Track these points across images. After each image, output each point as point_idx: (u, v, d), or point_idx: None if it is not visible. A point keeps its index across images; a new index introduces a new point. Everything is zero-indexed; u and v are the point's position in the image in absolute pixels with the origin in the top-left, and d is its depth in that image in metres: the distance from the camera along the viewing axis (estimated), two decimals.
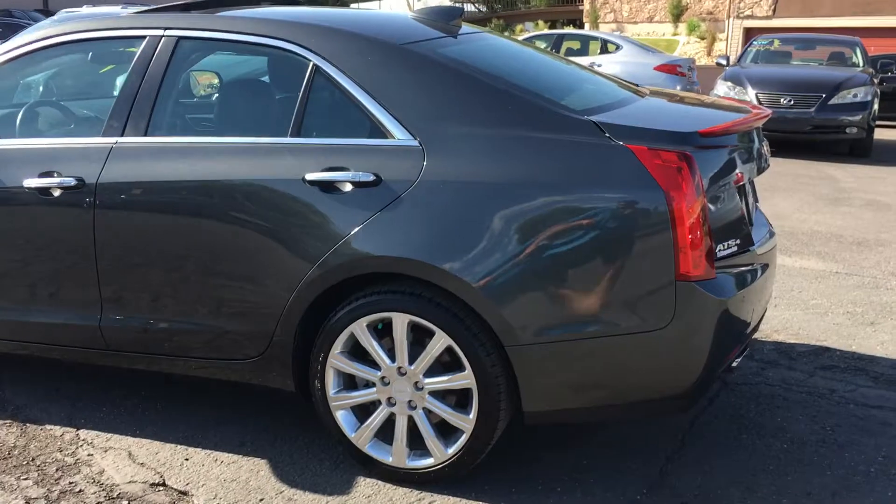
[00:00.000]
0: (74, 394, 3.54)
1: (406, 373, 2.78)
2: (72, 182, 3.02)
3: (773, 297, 4.92)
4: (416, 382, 2.78)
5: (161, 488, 2.88)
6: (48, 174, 3.07)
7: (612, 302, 2.59)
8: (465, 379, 2.71)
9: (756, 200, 3.46)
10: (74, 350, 3.23)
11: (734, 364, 2.97)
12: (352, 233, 2.71)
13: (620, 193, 2.56)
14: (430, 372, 2.77)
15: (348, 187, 2.73)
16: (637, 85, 3.69)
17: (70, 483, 2.91)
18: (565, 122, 2.68)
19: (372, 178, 2.70)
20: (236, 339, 2.96)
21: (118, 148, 3.03)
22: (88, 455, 3.08)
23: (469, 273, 2.61)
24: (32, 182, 3.07)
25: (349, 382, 2.90)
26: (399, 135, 2.75)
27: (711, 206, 2.67)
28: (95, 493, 2.85)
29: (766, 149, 3.15)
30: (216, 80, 3.77)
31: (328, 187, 2.75)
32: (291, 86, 2.94)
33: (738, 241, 2.79)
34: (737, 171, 2.84)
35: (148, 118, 3.03)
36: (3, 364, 3.70)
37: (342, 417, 2.91)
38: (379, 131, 2.78)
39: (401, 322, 2.74)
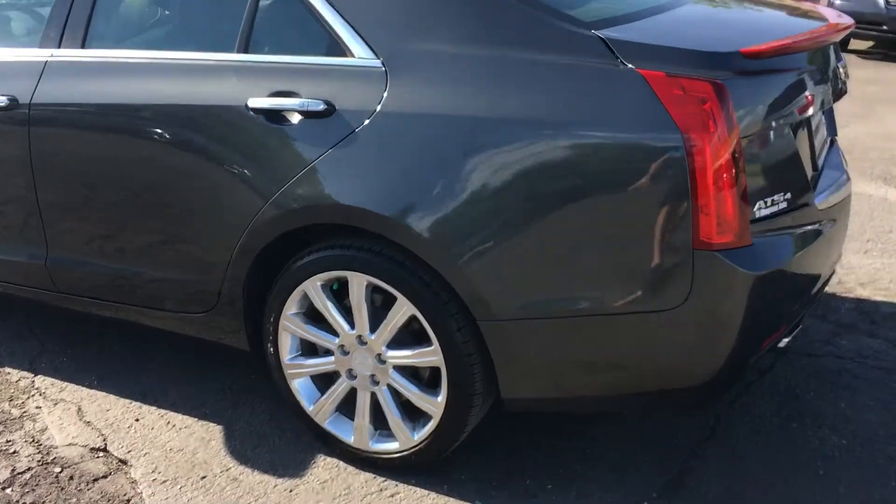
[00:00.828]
0: (45, 334, 3.25)
1: (367, 343, 2.32)
2: (4, 101, 2.62)
3: (866, 239, 4.19)
4: (378, 354, 2.32)
5: (101, 454, 2.56)
6: None
7: (612, 274, 2.03)
8: (431, 355, 2.23)
9: (832, 135, 2.77)
10: (26, 289, 2.90)
11: (782, 344, 2.37)
12: (298, 175, 2.22)
13: (627, 133, 1.96)
14: (395, 344, 2.30)
15: (296, 118, 2.23)
16: None
17: (7, 441, 2.62)
18: (564, 39, 2.07)
19: (322, 106, 2.18)
20: (183, 290, 2.56)
21: (53, 63, 2.61)
22: (37, 408, 2.79)
23: (434, 230, 2.09)
24: None
25: (309, 348, 2.47)
26: (360, 52, 2.20)
27: (752, 151, 2.04)
28: (30, 455, 2.55)
29: (843, 70, 2.45)
30: None
31: (274, 117, 2.25)
32: None
33: (789, 195, 2.15)
34: (796, 102, 2.18)
35: (85, 27, 2.58)
36: None
37: (300, 387, 2.49)
38: (338, 47, 2.24)
39: (358, 283, 2.26)
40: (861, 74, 8.90)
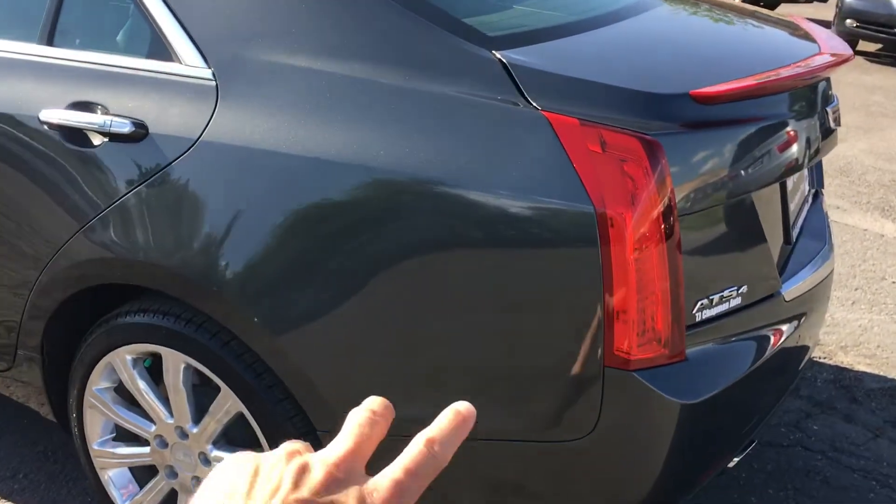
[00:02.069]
0: None
1: (189, 436, 1.78)
2: None
3: (854, 287, 3.66)
4: (201, 452, 1.77)
5: None
6: None
7: (494, 388, 1.49)
8: None
9: (816, 187, 2.22)
10: None
11: (730, 465, 1.83)
12: (94, 218, 1.66)
13: (522, 200, 1.40)
14: (222, 442, 1.75)
15: (98, 139, 1.67)
16: None
17: None
18: (452, 60, 1.51)
19: (129, 128, 1.62)
20: None
21: None
22: None
23: (256, 304, 1.55)
24: None
25: (124, 430, 1.92)
26: (190, 58, 1.63)
27: (696, 231, 1.49)
28: None
29: (833, 116, 1.88)
30: None
31: (74, 136, 1.69)
32: None
33: (744, 288, 1.59)
34: (765, 162, 1.62)
35: None
36: None
37: (113, 478, 1.94)
38: (162, 49, 1.67)
39: (174, 362, 1.71)
40: (866, 80, 8.32)
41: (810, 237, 2.00)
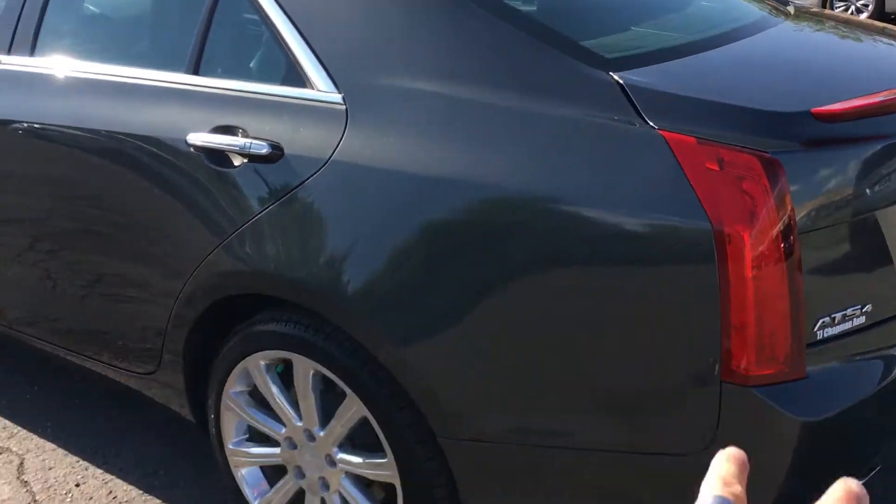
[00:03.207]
0: (15, 361, 2.95)
1: (316, 439, 1.88)
2: None
3: None
4: (328, 455, 1.88)
5: None
6: None
7: (611, 400, 1.52)
8: (385, 469, 1.77)
9: None
10: None
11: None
12: (234, 232, 1.79)
13: (638, 218, 1.44)
14: (349, 445, 1.85)
15: (238, 160, 1.80)
16: (785, 2, 2.40)
17: None
18: (570, 82, 1.56)
19: (266, 150, 1.74)
20: (123, 344, 2.18)
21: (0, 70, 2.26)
22: None
23: (385, 318, 1.63)
24: None
25: (260, 433, 2.04)
26: (321, 84, 1.75)
27: (817, 249, 1.49)
28: None
29: None
30: None
31: (216, 157, 1.83)
32: None
33: (869, 307, 1.57)
34: (892, 180, 1.60)
35: (35, 34, 2.21)
36: None
37: (246, 477, 2.07)
38: (296, 76, 1.79)
39: (303, 369, 1.82)
40: None
41: None
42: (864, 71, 1.81)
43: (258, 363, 1.89)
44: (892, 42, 2.02)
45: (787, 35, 2.01)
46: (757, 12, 2.14)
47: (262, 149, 1.74)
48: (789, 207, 1.41)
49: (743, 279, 1.39)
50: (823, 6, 11.80)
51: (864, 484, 1.45)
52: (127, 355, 2.18)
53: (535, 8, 2.08)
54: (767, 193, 1.39)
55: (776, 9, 2.26)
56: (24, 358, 2.96)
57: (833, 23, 2.19)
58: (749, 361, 1.41)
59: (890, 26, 2.29)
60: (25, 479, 2.38)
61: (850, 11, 11.56)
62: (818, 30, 2.13)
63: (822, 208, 1.48)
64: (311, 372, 1.81)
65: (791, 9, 2.31)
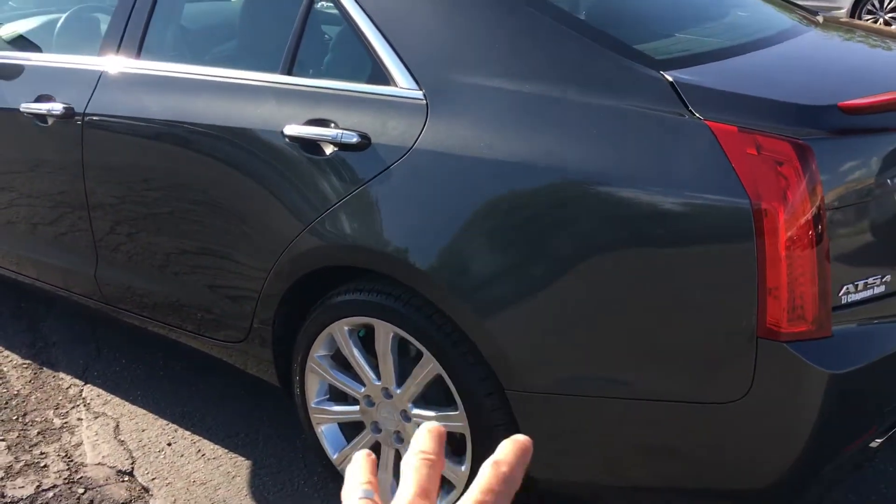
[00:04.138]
0: (103, 338, 3.23)
1: (393, 397, 2.13)
2: (60, 109, 2.58)
3: None
4: (403, 410, 2.12)
5: (126, 478, 2.48)
6: (46, 98, 2.65)
7: (660, 354, 1.75)
8: (456, 420, 2.01)
9: None
10: (76, 296, 2.86)
11: (874, 444, 2.01)
12: (327, 210, 2.05)
13: (688, 195, 1.67)
14: (422, 401, 2.09)
15: (330, 149, 2.05)
16: (814, 12, 2.62)
17: (41, 454, 2.59)
18: (625, 80, 1.80)
19: (356, 139, 2.00)
20: (218, 316, 2.44)
21: (108, 73, 2.54)
22: (78, 419, 2.75)
23: (460, 283, 1.87)
24: (30, 106, 2.67)
25: (337, 392, 2.29)
26: (403, 82, 2.00)
27: (843, 225, 1.71)
28: (58, 472, 2.50)
29: None
30: None
31: (309, 146, 2.09)
32: (293, 5, 2.25)
33: (888, 277, 1.79)
34: None
35: (140, 39, 2.49)
36: (52, 300, 3.48)
37: (326, 433, 2.32)
38: (381, 75, 2.04)
39: (384, 332, 2.07)
40: None
41: None
42: (887, 70, 2.03)
43: (342, 328, 2.14)
44: None
45: (817, 40, 2.23)
46: (788, 21, 2.37)
47: (353, 138, 2.00)
48: (819, 187, 1.63)
49: (777, 249, 1.61)
50: (852, 17, 11.95)
51: (884, 441, 1.67)
52: (219, 326, 2.44)
53: (592, 15, 2.33)
54: (799, 175, 1.62)
55: (806, 18, 2.48)
56: (110, 335, 3.24)
57: (859, 30, 2.41)
58: (781, 320, 1.64)
59: None
60: (122, 439, 2.65)
61: (878, 23, 11.71)
62: (845, 36, 2.35)
63: (848, 188, 1.71)
64: (391, 335, 2.05)
65: (820, 18, 2.53)
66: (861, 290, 1.74)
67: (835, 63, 2.09)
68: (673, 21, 2.30)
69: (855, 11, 12.07)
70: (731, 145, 1.65)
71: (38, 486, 2.44)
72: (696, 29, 2.29)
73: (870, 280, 1.75)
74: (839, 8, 12.18)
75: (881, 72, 2.03)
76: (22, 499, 2.39)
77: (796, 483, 1.79)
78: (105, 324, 3.29)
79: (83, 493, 2.41)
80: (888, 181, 1.77)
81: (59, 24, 3.00)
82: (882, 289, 1.78)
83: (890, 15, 11.74)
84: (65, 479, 2.47)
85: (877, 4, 11.83)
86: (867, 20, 11.85)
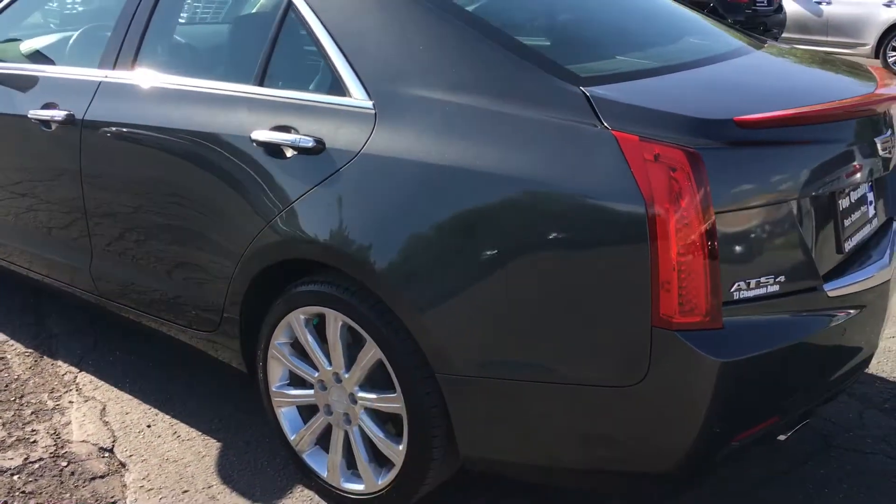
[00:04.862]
0: (101, 330, 3.47)
1: (342, 381, 2.32)
2: (62, 116, 2.84)
3: None
4: (351, 394, 2.31)
5: (105, 454, 2.69)
6: (51, 105, 2.91)
7: (569, 341, 1.93)
8: (394, 402, 2.20)
9: (890, 215, 2.50)
10: (73, 289, 3.11)
11: (781, 437, 2.16)
12: (285, 208, 2.26)
13: (595, 198, 1.85)
14: (367, 385, 2.28)
15: (290, 152, 2.27)
16: (761, 39, 2.81)
17: (32, 431, 2.81)
18: (547, 94, 1.99)
19: (312, 143, 2.21)
20: (193, 308, 2.66)
21: (105, 83, 2.79)
22: (69, 402, 2.98)
23: (397, 275, 2.07)
24: (36, 113, 2.93)
25: (296, 378, 2.49)
26: (357, 93, 2.22)
27: (735, 228, 1.88)
28: (45, 447, 2.72)
29: (882, 146, 2.20)
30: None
31: (273, 150, 2.31)
32: (266, 24, 2.49)
33: (782, 278, 1.95)
34: (809, 178, 1.98)
35: (135, 52, 2.74)
36: (58, 296, 3.73)
37: (285, 415, 2.51)
38: (338, 86, 2.26)
39: (333, 320, 2.27)
40: None
41: (871, 251, 2.30)
42: (797, 90, 2.20)
43: (298, 317, 2.34)
44: (836, 70, 2.41)
45: (750, 62, 2.41)
46: (732, 45, 2.55)
47: (309, 143, 2.21)
48: (708, 192, 1.80)
49: (668, 248, 1.79)
50: (876, 55, 12.05)
51: (792, 434, 1.85)
52: (195, 318, 2.66)
53: (545, 41, 2.53)
54: (690, 180, 1.79)
55: (753, 44, 2.66)
56: (107, 328, 3.48)
57: (800, 55, 2.58)
58: (673, 311, 1.81)
59: (837, 56, 2.67)
60: (107, 420, 2.87)
61: None
62: (780, 59, 2.53)
63: (743, 195, 1.87)
64: (340, 323, 2.25)
65: (767, 43, 2.71)
66: (753, 288, 1.91)
67: (752, 83, 2.27)
68: (619, 45, 2.49)
69: (880, 48, 12.18)
70: (632, 153, 1.83)
71: (25, 459, 2.66)
72: (640, 52, 2.48)
73: (762, 279, 1.91)
74: (864, 44, 12.33)
75: (795, 90, 2.21)
76: (10, 468, 2.61)
77: (691, 467, 1.94)
78: (103, 318, 3.53)
79: (66, 466, 2.63)
80: (785, 191, 1.94)
81: (71, 40, 3.27)
82: (776, 288, 1.94)
83: None
84: (51, 453, 2.69)
85: None
86: (892, 57, 11.96)
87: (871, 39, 12.18)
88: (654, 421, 1.91)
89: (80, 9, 4.19)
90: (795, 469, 2.62)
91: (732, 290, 1.87)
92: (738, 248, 1.88)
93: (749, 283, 1.90)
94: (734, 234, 1.87)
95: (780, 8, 12.16)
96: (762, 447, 2.47)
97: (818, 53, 2.70)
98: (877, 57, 12.02)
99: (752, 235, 1.91)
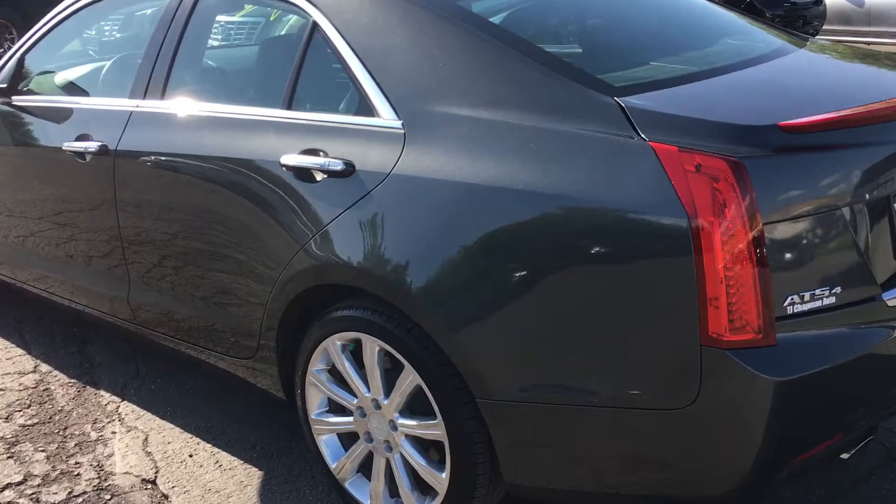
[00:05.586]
0: (143, 359, 3.47)
1: (382, 407, 2.26)
2: (96, 147, 2.84)
3: None
4: (391, 420, 2.25)
5: (149, 486, 2.67)
6: (85, 137, 2.91)
7: (615, 363, 1.85)
8: (435, 429, 2.13)
9: None
10: (113, 318, 3.10)
11: (844, 456, 2.05)
12: (317, 233, 2.22)
13: (634, 213, 1.78)
14: (408, 412, 2.22)
15: (320, 176, 2.23)
16: (803, 37, 2.70)
17: (76, 464, 2.80)
18: (580, 106, 1.93)
19: (341, 166, 2.17)
20: (230, 335, 2.63)
21: (136, 113, 2.79)
22: (112, 433, 2.97)
23: (433, 298, 2.01)
24: (71, 145, 2.94)
25: (336, 405, 2.44)
26: (385, 114, 2.17)
27: (785, 239, 1.78)
28: (89, 480, 2.71)
29: None
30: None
31: (303, 174, 2.27)
32: (292, 47, 2.46)
33: (838, 289, 1.85)
34: (861, 183, 1.88)
35: (165, 82, 2.73)
36: (101, 325, 3.74)
37: (326, 443, 2.47)
38: (366, 107, 2.22)
39: (370, 346, 2.21)
40: None
41: None
42: (843, 90, 2.10)
43: (335, 343, 2.29)
44: (883, 67, 2.30)
45: (791, 63, 2.31)
46: (772, 45, 2.45)
47: (339, 166, 2.17)
48: (754, 202, 1.71)
49: (714, 261, 1.70)
50: None
51: (856, 452, 1.74)
52: (233, 345, 2.63)
53: (577, 49, 2.46)
54: (734, 190, 1.71)
55: (793, 42, 2.56)
56: (149, 357, 3.47)
57: (843, 52, 2.47)
58: (723, 329, 1.72)
59: (877, 52, 2.55)
60: (149, 451, 2.85)
61: None
62: (822, 58, 2.42)
63: (790, 204, 1.78)
64: (377, 349, 2.19)
65: (809, 41, 2.61)
66: (808, 302, 1.81)
67: (796, 84, 2.17)
68: (653, 50, 2.41)
69: None
70: (672, 164, 1.75)
71: (69, 493, 2.65)
72: (675, 57, 2.39)
73: (817, 292, 1.82)
74: None
75: (841, 90, 2.10)
76: (54, 503, 2.60)
77: (751, 489, 1.85)
78: (145, 347, 3.52)
79: (109, 499, 2.61)
80: (836, 197, 1.84)
81: (104, 70, 3.28)
82: (832, 300, 1.84)
83: None
84: (94, 486, 2.68)
85: None
86: None
87: None
88: (709, 444, 1.82)
89: (118, 35, 4.23)
90: (860, 484, 2.49)
91: (785, 304, 1.78)
92: (789, 260, 1.79)
93: (803, 297, 1.80)
94: (784, 245, 1.78)
95: (820, 0, 11.91)
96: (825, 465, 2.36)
97: (862, 49, 2.59)
98: None
99: (804, 245, 1.82)
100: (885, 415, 2.11)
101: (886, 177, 1.94)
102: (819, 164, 1.84)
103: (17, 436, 2.95)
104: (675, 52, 2.44)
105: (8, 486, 2.67)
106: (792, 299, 1.79)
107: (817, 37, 2.57)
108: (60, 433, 2.99)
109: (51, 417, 3.08)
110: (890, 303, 1.95)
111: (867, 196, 1.90)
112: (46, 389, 3.28)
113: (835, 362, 1.82)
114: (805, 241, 1.82)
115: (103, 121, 2.89)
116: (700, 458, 1.84)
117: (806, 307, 1.81)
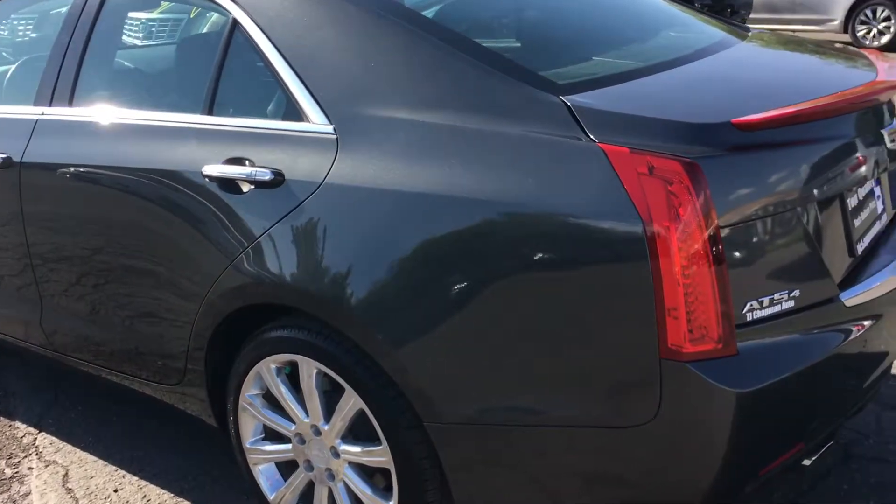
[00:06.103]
0: (62, 386, 3.24)
1: (321, 433, 2.11)
2: (0, 160, 2.61)
3: None
4: (332, 447, 2.10)
5: None
6: None
7: (567, 380, 1.73)
8: (380, 455, 1.99)
9: (889, 208, 2.33)
10: (28, 344, 2.87)
11: (806, 462, 1.98)
12: (245, 249, 2.05)
13: (584, 220, 1.66)
14: (348, 438, 2.07)
15: (247, 187, 2.06)
16: (744, 27, 2.63)
17: None
18: (524, 106, 1.80)
19: (269, 176, 2.00)
20: (154, 359, 2.44)
21: (42, 121, 2.57)
22: (29, 468, 2.75)
23: (373, 316, 1.87)
24: None
25: (272, 432, 2.28)
26: (315, 118, 2.01)
27: (743, 241, 1.69)
28: None
29: (889, 137, 2.03)
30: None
31: (228, 185, 2.10)
32: (212, 47, 2.28)
33: (797, 292, 1.77)
34: (814, 179, 1.80)
35: (72, 86, 2.52)
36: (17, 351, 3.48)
37: (263, 473, 2.30)
38: (295, 112, 2.06)
39: (307, 368, 2.06)
40: None
41: (886, 252, 2.12)
42: (793, 84, 2.02)
43: (269, 366, 2.13)
44: (831, 58, 2.23)
45: (735, 56, 2.23)
46: (713, 37, 2.37)
47: (266, 175, 2.00)
48: (711, 205, 1.62)
49: (672, 269, 1.60)
50: (845, 30, 11.99)
51: (817, 458, 1.64)
52: (157, 369, 2.44)
53: (515, 44, 2.34)
54: (690, 193, 1.61)
55: (735, 33, 2.49)
56: (68, 382, 3.24)
57: (786, 43, 2.41)
58: (683, 340, 1.62)
59: (829, 43, 2.50)
60: (70, 487, 2.64)
61: (871, 34, 11.75)
62: (768, 50, 2.35)
63: (748, 204, 1.69)
64: (315, 371, 2.04)
65: (749, 33, 2.54)
66: (768, 307, 1.72)
67: (743, 79, 2.08)
68: (594, 45, 2.30)
69: (848, 23, 12.12)
70: (624, 167, 1.64)
71: None
72: (617, 51, 2.29)
73: (776, 296, 1.73)
74: (832, 20, 12.26)
75: (789, 85, 2.03)
76: None
77: (720, 501, 1.76)
78: (65, 373, 3.29)
79: None
80: (791, 195, 1.76)
81: (8, 74, 3.04)
82: (791, 304, 1.76)
83: (883, 24, 11.78)
84: None
85: (870, 15, 11.89)
86: (860, 31, 11.91)
87: (839, 15, 12.11)
88: (671, 460, 1.72)
89: (32, 35, 3.94)
90: (818, 485, 2.44)
91: (745, 311, 1.69)
92: (747, 264, 1.70)
93: (762, 302, 1.71)
94: (742, 249, 1.69)
95: None
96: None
97: (810, 41, 2.53)
98: (845, 32, 11.96)
99: (761, 248, 1.73)
100: (847, 417, 2.05)
101: (840, 172, 1.87)
102: (773, 161, 1.75)
103: None
104: (617, 46, 2.34)
105: None
106: (751, 305, 1.70)
107: (746, 25, 2.49)
108: None
109: None
110: (848, 303, 1.88)
111: (822, 193, 1.82)
112: None
113: (798, 368, 1.74)
114: (762, 244, 1.73)
115: (6, 131, 2.66)
116: (662, 475, 1.74)
117: (766, 312, 1.72)
